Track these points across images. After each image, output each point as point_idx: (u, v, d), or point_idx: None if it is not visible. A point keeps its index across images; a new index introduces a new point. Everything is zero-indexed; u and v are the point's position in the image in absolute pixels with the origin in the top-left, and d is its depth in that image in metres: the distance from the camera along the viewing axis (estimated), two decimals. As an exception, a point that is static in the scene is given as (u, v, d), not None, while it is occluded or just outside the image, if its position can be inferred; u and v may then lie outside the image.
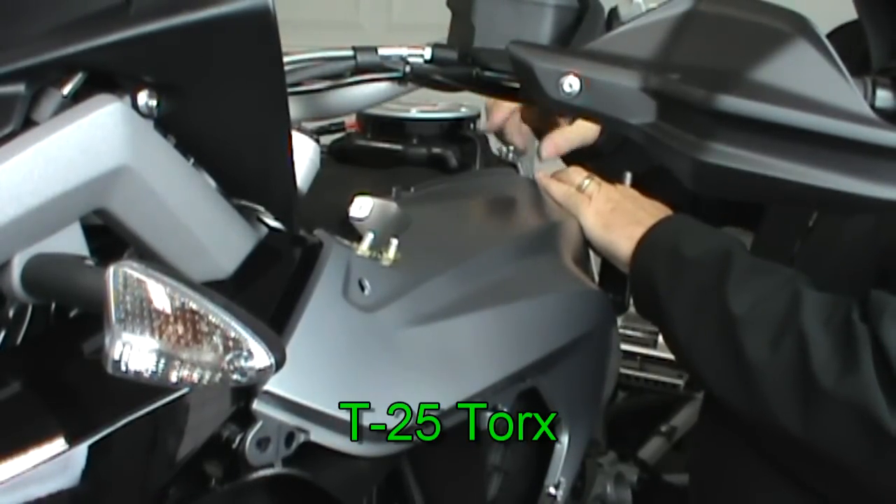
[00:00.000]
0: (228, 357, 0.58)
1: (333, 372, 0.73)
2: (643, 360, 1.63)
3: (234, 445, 0.68)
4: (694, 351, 1.02)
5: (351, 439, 0.75)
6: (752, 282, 0.98)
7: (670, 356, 1.59)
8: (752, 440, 1.05)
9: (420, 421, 0.79)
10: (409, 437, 0.79)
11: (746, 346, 0.95)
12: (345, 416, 0.73)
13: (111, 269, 0.57)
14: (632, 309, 1.68)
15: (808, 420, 0.92)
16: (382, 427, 0.76)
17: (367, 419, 0.75)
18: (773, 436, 0.98)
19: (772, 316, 0.95)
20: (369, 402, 0.75)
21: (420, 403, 0.79)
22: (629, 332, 1.62)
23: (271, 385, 0.68)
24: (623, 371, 1.61)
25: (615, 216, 1.11)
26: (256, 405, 0.68)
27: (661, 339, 1.60)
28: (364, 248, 0.79)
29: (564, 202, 1.15)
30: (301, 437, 0.71)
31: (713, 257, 1.01)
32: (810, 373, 0.91)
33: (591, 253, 1.17)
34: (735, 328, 0.96)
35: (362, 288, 0.78)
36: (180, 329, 0.57)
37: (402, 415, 0.78)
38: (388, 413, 0.77)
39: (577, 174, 1.17)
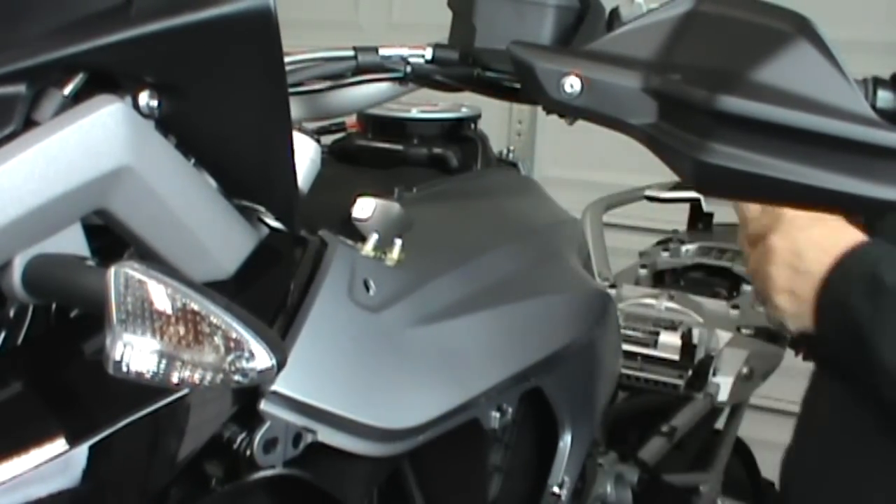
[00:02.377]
0: (230, 358, 0.58)
1: (340, 372, 0.73)
2: (643, 360, 1.62)
3: (243, 446, 0.68)
4: None
5: (357, 439, 0.75)
6: None
7: (670, 356, 1.60)
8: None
9: (425, 420, 0.79)
10: (414, 437, 0.79)
11: None
12: (352, 415, 0.73)
13: (112, 270, 0.57)
14: (631, 308, 1.68)
15: None
16: (389, 426, 0.76)
17: (374, 419, 0.75)
18: None
19: None
20: (375, 402, 0.75)
21: (425, 403, 0.79)
22: (629, 332, 1.61)
23: (278, 385, 0.68)
24: (623, 371, 1.60)
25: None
26: (264, 406, 0.68)
27: (661, 338, 1.60)
28: (368, 248, 0.79)
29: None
30: (308, 438, 0.71)
31: None
32: None
33: (592, 250, 1.16)
34: None
35: (367, 288, 0.78)
36: (181, 330, 0.57)
37: (408, 414, 0.77)
38: (393, 412, 0.77)
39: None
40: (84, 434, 0.61)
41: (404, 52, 0.95)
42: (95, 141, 0.62)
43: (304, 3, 3.12)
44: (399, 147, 1.12)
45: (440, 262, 0.88)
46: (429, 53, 0.95)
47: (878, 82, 0.74)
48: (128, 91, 0.66)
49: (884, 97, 0.73)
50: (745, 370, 1.58)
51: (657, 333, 1.61)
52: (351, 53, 0.92)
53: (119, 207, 0.66)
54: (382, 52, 0.93)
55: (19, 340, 0.70)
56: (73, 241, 0.66)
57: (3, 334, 0.70)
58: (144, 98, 0.67)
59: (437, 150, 1.12)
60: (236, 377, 0.58)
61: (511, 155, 1.25)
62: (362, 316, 0.76)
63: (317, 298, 0.73)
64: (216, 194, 0.73)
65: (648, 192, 2.04)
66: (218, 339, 0.58)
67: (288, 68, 0.78)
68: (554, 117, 0.88)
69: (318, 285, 0.74)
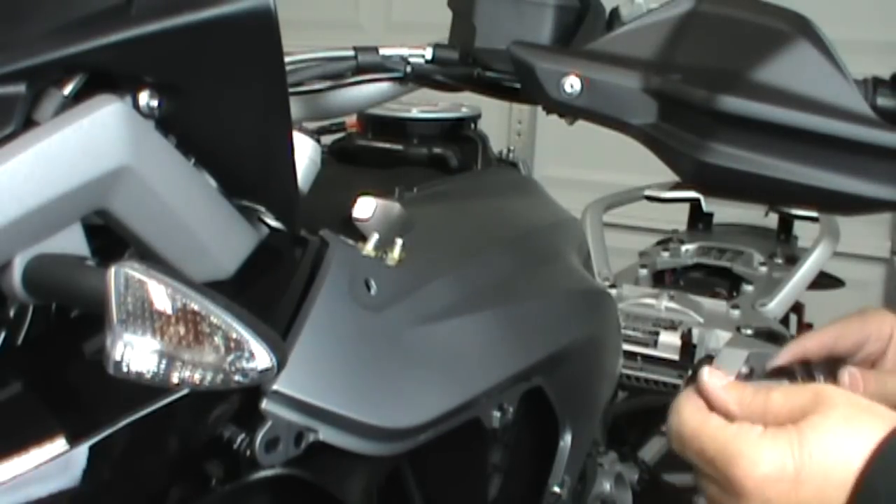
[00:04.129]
0: (230, 358, 0.58)
1: (341, 371, 0.73)
2: (643, 360, 1.63)
3: (244, 446, 0.68)
4: None
5: (359, 438, 0.75)
6: None
7: (670, 356, 1.60)
8: None
9: (426, 419, 0.79)
10: (415, 436, 0.79)
11: None
12: (353, 414, 0.73)
13: (112, 270, 0.57)
14: (631, 308, 1.68)
15: None
16: (390, 426, 0.76)
17: (376, 418, 0.75)
18: None
19: None
20: (377, 401, 0.75)
21: (426, 402, 0.79)
22: (629, 332, 1.62)
23: (280, 385, 0.68)
24: (623, 371, 1.61)
25: None
26: (265, 405, 0.68)
27: (661, 338, 1.61)
28: (369, 248, 0.79)
29: None
30: (310, 437, 0.71)
31: None
32: None
33: (592, 250, 1.17)
34: None
35: (368, 288, 0.78)
36: (182, 330, 0.57)
37: (409, 413, 0.77)
38: (395, 412, 0.77)
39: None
40: (84, 434, 0.61)
41: (404, 52, 0.95)
42: (95, 141, 0.62)
43: (304, 2, 3.13)
44: (399, 147, 1.12)
45: (441, 262, 0.88)
46: (429, 53, 0.95)
47: (878, 82, 0.74)
48: (128, 91, 0.66)
49: (884, 97, 0.73)
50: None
51: (657, 333, 1.61)
52: (351, 53, 0.92)
53: (119, 207, 0.66)
54: (382, 52, 0.93)
55: (19, 340, 0.70)
56: (73, 241, 0.66)
57: (3, 334, 0.70)
58: (144, 98, 0.67)
59: (437, 150, 1.12)
60: (236, 377, 0.58)
61: (511, 155, 1.25)
62: (363, 315, 0.76)
63: (317, 298, 0.73)
64: (216, 194, 0.73)
65: (648, 192, 2.05)
66: (218, 339, 0.58)
67: (288, 68, 0.78)
68: (554, 117, 0.88)
69: (318, 285, 0.74)
